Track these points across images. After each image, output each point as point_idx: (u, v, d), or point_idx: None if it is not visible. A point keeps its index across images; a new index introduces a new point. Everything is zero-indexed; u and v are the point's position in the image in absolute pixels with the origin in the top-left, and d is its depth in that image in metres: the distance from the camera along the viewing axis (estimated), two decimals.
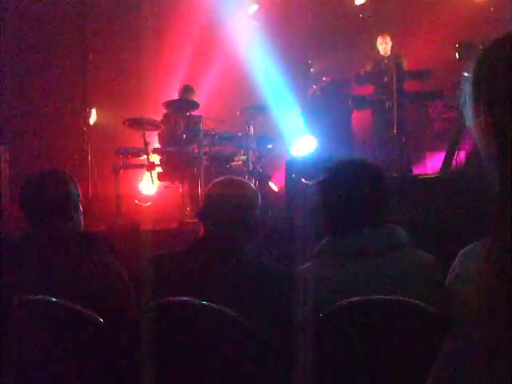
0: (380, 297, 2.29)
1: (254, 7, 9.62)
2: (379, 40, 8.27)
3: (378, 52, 8.27)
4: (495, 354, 1.33)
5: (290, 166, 6.76)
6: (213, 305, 2.32)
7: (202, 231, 2.73)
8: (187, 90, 7.97)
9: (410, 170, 7.25)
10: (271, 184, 7.60)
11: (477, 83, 1.37)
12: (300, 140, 7.53)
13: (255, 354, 2.37)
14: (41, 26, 8.81)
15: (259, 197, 2.82)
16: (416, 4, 8.82)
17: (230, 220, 2.66)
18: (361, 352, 2.29)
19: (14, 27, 8.42)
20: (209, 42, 9.44)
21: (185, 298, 2.39)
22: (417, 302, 2.24)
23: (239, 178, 2.91)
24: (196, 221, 4.60)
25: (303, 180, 6.49)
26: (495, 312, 1.32)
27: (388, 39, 8.24)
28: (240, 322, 2.29)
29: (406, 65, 8.11)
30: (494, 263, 1.32)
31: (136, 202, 7.65)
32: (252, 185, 2.88)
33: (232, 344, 2.37)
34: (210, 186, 2.82)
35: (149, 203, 7.68)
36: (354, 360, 2.29)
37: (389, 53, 8.20)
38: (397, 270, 2.43)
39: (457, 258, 1.93)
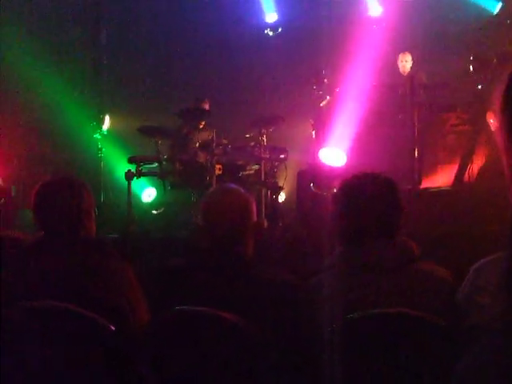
0: (392, 310, 2.28)
1: (272, 17, 9.63)
2: (400, 57, 8.31)
3: (397, 67, 8.31)
4: None
5: (303, 177, 6.75)
6: (220, 314, 2.32)
7: (204, 242, 2.73)
8: (202, 99, 7.99)
9: (420, 183, 7.23)
10: (281, 195, 7.59)
11: (506, 100, 1.40)
12: (325, 151, 7.46)
13: (264, 365, 2.36)
14: (55, 30, 8.85)
15: (253, 202, 2.81)
16: (430, 17, 8.82)
17: (229, 227, 2.66)
18: (372, 365, 2.27)
19: (29, 32, 8.48)
20: (223, 52, 9.47)
21: (193, 308, 2.39)
22: (429, 316, 2.23)
23: (231, 185, 2.90)
24: None
25: (315, 190, 6.49)
26: None
27: (409, 57, 8.27)
28: (248, 332, 2.29)
29: (424, 78, 8.11)
30: None
31: (153, 212, 7.66)
32: (244, 190, 2.86)
33: (240, 354, 2.37)
34: (205, 197, 2.83)
35: (161, 209, 7.70)
36: (366, 372, 2.28)
37: (408, 71, 8.24)
38: (410, 284, 2.42)
39: (472, 272, 1.92)
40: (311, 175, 6.76)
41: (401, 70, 8.30)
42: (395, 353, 2.25)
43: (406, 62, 8.28)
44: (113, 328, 2.45)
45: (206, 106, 7.93)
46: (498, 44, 8.19)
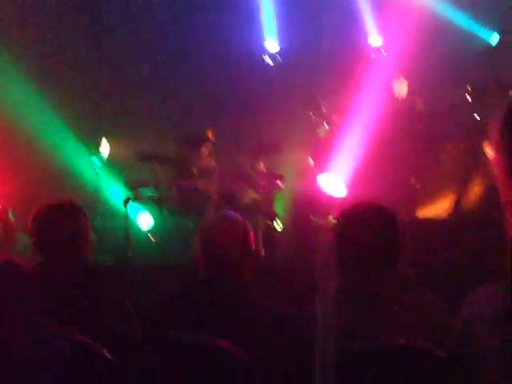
0: (390, 341, 2.27)
1: (272, 44, 9.66)
2: (395, 83, 8.33)
3: (391, 92, 8.32)
4: None
5: (299, 204, 6.75)
6: (215, 341, 2.31)
7: (202, 270, 2.72)
8: (205, 127, 8.01)
9: (417, 213, 7.24)
10: (277, 222, 7.56)
11: (504, 128, 1.42)
12: (324, 177, 7.45)
13: None
14: (53, 50, 8.88)
15: (251, 230, 2.81)
16: (428, 46, 8.89)
17: (227, 255, 2.66)
18: None
19: (27, 54, 8.51)
20: (221, 77, 9.51)
21: (188, 335, 2.39)
22: (426, 346, 2.22)
23: (230, 213, 2.90)
24: None
25: (313, 218, 6.48)
26: None
27: (404, 83, 8.30)
28: (242, 359, 2.28)
29: (420, 105, 8.14)
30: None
31: (152, 240, 7.65)
32: (242, 218, 2.86)
33: (232, 379, 2.36)
34: (204, 225, 2.83)
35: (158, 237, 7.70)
36: None
37: (404, 95, 8.25)
38: (406, 314, 2.42)
39: (467, 302, 1.92)
40: (309, 203, 6.76)
41: (396, 95, 8.31)
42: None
43: (401, 88, 8.30)
44: (108, 355, 2.44)
45: (209, 134, 7.95)
46: (496, 73, 8.25)
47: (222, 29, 9.46)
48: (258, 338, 2.45)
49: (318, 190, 7.26)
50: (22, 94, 8.15)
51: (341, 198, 6.85)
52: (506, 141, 1.41)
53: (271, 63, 9.52)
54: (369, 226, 2.56)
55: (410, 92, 8.27)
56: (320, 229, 6.04)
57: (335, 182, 7.23)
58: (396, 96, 8.26)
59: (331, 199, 6.76)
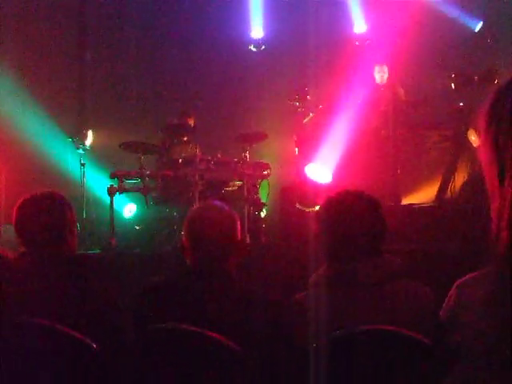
0: (375, 328, 2.28)
1: (257, 32, 9.63)
2: (376, 69, 8.31)
3: (374, 80, 8.32)
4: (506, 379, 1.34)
5: (287, 193, 6.76)
6: (204, 331, 2.31)
7: (188, 259, 2.72)
8: (184, 115, 8.00)
9: (401, 200, 7.27)
10: (264, 211, 7.57)
11: (490, 117, 1.43)
12: (311, 167, 7.45)
13: (244, 379, 2.35)
14: (38, 44, 8.82)
15: (237, 218, 2.81)
16: (412, 34, 8.90)
17: (214, 245, 2.66)
18: (354, 383, 2.27)
19: (12, 45, 8.45)
20: (206, 67, 9.49)
21: (174, 325, 2.38)
22: (411, 333, 2.23)
23: (216, 202, 2.89)
24: None
25: (299, 207, 6.49)
26: (505, 337, 1.33)
27: (385, 68, 8.29)
28: (230, 349, 2.28)
29: (402, 94, 8.16)
30: (502, 290, 1.34)
31: (136, 228, 7.66)
32: (229, 207, 2.86)
33: (223, 372, 2.36)
34: (189, 213, 2.82)
35: (143, 225, 7.71)
36: None
37: (385, 82, 8.25)
38: (392, 301, 2.43)
39: (454, 289, 1.93)
40: (296, 192, 6.76)
41: (378, 80, 8.31)
42: (379, 371, 2.25)
43: (383, 74, 8.30)
44: (95, 346, 2.43)
45: (191, 122, 7.93)
46: (480, 61, 8.28)
47: (208, 18, 9.44)
48: (246, 328, 2.44)
49: (306, 179, 7.27)
50: (4, 88, 8.10)
51: (326, 187, 6.86)
52: (492, 128, 1.42)
53: (256, 51, 9.50)
54: (352, 213, 2.57)
55: (393, 80, 8.28)
56: (306, 217, 6.05)
57: (321, 170, 7.24)
58: (379, 84, 8.27)
59: (319, 188, 6.76)
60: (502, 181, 1.39)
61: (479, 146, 1.48)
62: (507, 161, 1.37)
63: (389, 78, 8.29)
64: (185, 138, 7.41)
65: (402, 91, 8.17)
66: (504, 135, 1.39)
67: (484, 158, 1.45)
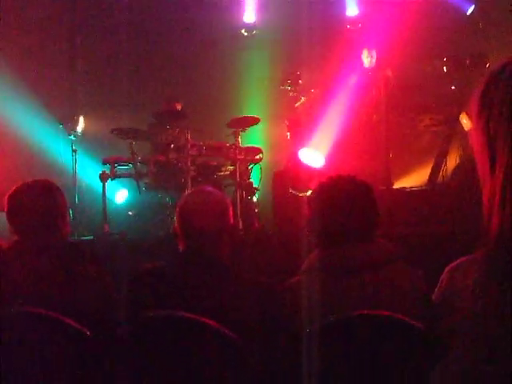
0: (368, 313, 2.29)
1: (249, 16, 9.57)
2: (365, 53, 8.29)
3: (363, 64, 8.30)
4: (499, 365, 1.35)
5: (279, 178, 6.76)
6: (196, 318, 2.31)
7: (181, 245, 2.73)
8: (174, 100, 7.98)
9: (392, 184, 7.28)
10: (256, 196, 7.57)
11: (482, 103, 1.44)
12: (304, 151, 7.44)
13: (238, 365, 2.36)
14: (30, 31, 8.77)
15: (229, 203, 2.82)
16: (404, 17, 8.87)
17: (206, 231, 2.66)
18: (350, 368, 2.28)
19: (3, 31, 8.39)
20: (198, 52, 9.45)
21: (168, 311, 2.39)
22: (404, 318, 2.24)
23: (208, 188, 2.89)
24: None
25: (292, 191, 6.50)
26: (500, 320, 1.34)
27: (374, 52, 8.26)
28: (223, 335, 2.29)
29: (391, 77, 8.14)
30: (495, 274, 1.35)
31: (129, 213, 7.66)
32: (221, 192, 2.86)
33: (215, 355, 2.36)
34: (181, 200, 2.82)
35: (136, 211, 7.71)
36: (344, 376, 2.28)
37: (373, 66, 8.22)
38: (385, 286, 2.44)
39: (446, 273, 1.94)
40: (289, 176, 6.76)
41: (367, 64, 8.28)
42: (373, 356, 2.26)
43: (371, 58, 8.27)
44: (88, 333, 2.43)
45: (179, 107, 7.91)
46: (471, 45, 8.28)
47: (199, 1, 9.38)
48: (239, 314, 2.45)
49: (298, 164, 7.27)
50: None
51: (319, 171, 6.87)
52: (483, 114, 1.43)
53: (248, 35, 9.46)
54: (345, 197, 2.58)
55: (383, 64, 8.25)
56: (300, 202, 6.05)
57: (314, 154, 7.24)
58: (367, 68, 8.25)
59: (310, 172, 6.76)
60: (492, 167, 1.40)
61: (471, 132, 1.49)
62: (498, 147, 1.38)
63: (378, 62, 8.26)
64: (174, 124, 7.39)
65: (391, 74, 8.14)
66: (495, 122, 1.40)
67: (475, 143, 1.46)
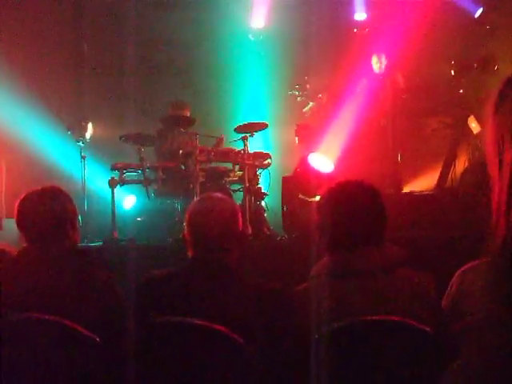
0: (377, 318, 2.28)
1: (258, 22, 9.56)
2: (374, 58, 8.28)
3: (372, 69, 8.29)
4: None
5: (288, 183, 6.75)
6: (206, 324, 2.31)
7: (190, 252, 2.73)
8: (182, 105, 7.98)
9: (401, 188, 7.27)
10: (265, 201, 7.55)
11: (499, 98, 1.44)
12: (314, 156, 7.41)
13: (247, 372, 2.36)
14: (37, 38, 8.80)
15: (238, 209, 2.82)
16: (412, 22, 8.86)
17: (215, 238, 2.66)
18: (359, 373, 2.27)
19: (8, 38, 8.42)
20: (205, 57, 9.46)
21: (177, 318, 2.39)
22: (413, 322, 2.24)
23: (218, 194, 2.89)
24: None
25: (301, 196, 6.48)
26: (510, 324, 1.34)
27: (383, 58, 8.25)
28: (233, 341, 2.29)
29: (402, 82, 8.13)
30: (504, 277, 1.35)
31: (138, 219, 7.66)
32: (230, 199, 2.87)
33: (224, 362, 2.36)
34: (190, 206, 2.82)
35: (144, 217, 7.71)
36: (352, 381, 2.28)
37: (383, 71, 8.21)
38: (394, 290, 2.43)
39: (456, 277, 1.93)
40: (298, 182, 6.75)
41: (376, 70, 8.27)
42: (382, 361, 2.25)
43: (380, 63, 8.26)
44: (97, 339, 2.44)
45: (187, 113, 7.91)
46: (479, 48, 8.26)
47: (208, 6, 9.39)
48: (248, 320, 2.45)
49: (307, 169, 7.26)
50: (1, 81, 8.07)
51: (329, 176, 6.85)
52: (499, 115, 1.42)
53: (255, 40, 9.47)
54: (353, 202, 2.57)
55: (392, 69, 8.24)
56: (309, 207, 6.04)
57: (323, 159, 7.22)
58: (377, 73, 8.24)
59: (320, 177, 6.75)
60: (500, 166, 1.40)
61: (485, 133, 1.49)
62: (506, 144, 1.38)
63: (387, 67, 8.25)
64: (182, 129, 7.40)
65: (401, 79, 8.13)
66: (506, 119, 1.39)
67: (488, 144, 1.45)
